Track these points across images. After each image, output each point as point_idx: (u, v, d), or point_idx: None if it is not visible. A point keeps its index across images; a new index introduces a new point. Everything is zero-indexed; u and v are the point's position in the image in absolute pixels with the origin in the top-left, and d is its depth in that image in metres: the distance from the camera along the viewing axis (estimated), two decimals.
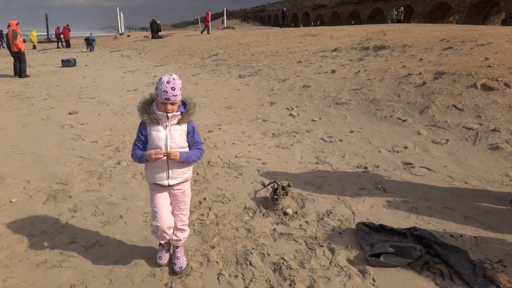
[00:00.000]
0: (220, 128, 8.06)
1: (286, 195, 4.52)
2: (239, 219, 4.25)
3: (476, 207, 4.51)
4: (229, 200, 4.71)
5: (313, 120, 8.35)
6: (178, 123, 3.02)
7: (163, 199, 3.16)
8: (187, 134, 3.10)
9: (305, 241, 3.81)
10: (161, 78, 2.85)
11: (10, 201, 4.88)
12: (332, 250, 3.67)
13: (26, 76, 16.45)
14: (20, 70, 16.32)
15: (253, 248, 3.69)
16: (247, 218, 4.28)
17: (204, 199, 4.76)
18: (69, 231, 4.12)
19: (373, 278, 3.30)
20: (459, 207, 4.51)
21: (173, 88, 2.83)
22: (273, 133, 7.57)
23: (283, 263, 3.45)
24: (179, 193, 3.24)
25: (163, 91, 2.82)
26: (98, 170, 5.90)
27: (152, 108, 2.98)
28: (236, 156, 6.29)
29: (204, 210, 4.49)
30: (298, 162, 6.04)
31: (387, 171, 5.61)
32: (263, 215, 4.33)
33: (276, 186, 4.56)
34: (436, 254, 3.58)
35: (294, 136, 7.36)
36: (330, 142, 6.98)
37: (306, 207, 4.48)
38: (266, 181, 5.19)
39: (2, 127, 8.54)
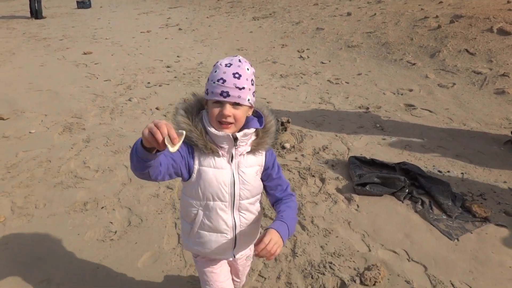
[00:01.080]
0: None
1: (285, 130, 4.74)
2: None
3: (470, 147, 4.66)
4: None
5: (323, 63, 8.36)
6: (252, 151, 1.65)
7: (222, 276, 1.93)
8: (264, 170, 1.74)
9: (299, 172, 4.08)
10: (217, 61, 1.59)
11: (30, 132, 5.25)
12: (322, 180, 3.94)
13: (42, 17, 16.52)
14: (36, 11, 16.37)
15: None
16: None
17: None
18: (82, 157, 4.48)
19: (357, 205, 3.57)
20: (453, 147, 4.67)
21: (237, 75, 1.50)
22: (281, 75, 7.67)
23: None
24: (244, 260, 2.10)
25: (218, 80, 1.50)
26: (110, 105, 6.19)
27: (202, 125, 1.59)
28: None
29: None
30: (302, 102, 6.20)
31: (388, 112, 5.73)
32: None
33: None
34: (420, 186, 3.81)
35: (302, 78, 7.45)
36: (336, 84, 7.06)
37: (304, 142, 4.72)
38: None
39: (20, 66, 8.85)
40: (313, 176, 4.00)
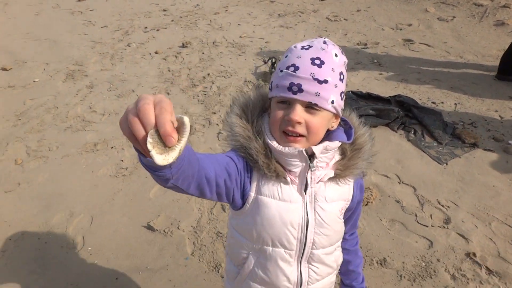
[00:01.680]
0: (226, 10, 8.07)
1: None
2: (239, 90, 4.67)
3: (465, 79, 4.76)
4: (231, 75, 5.08)
5: (321, 0, 8.21)
6: (336, 177, 1.17)
7: None
8: (348, 210, 1.29)
9: None
10: (292, 45, 1.12)
11: (34, 81, 5.37)
12: None
13: None
14: None
15: None
16: (247, 89, 4.69)
17: (208, 74, 5.14)
18: (88, 103, 4.64)
19: None
20: (448, 79, 4.78)
21: (317, 62, 1.03)
22: (279, 14, 7.58)
23: None
24: None
25: (288, 66, 1.05)
26: (109, 52, 6.24)
27: (264, 139, 1.11)
28: (240, 36, 6.47)
29: (208, 83, 4.90)
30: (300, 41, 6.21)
31: (386, 47, 5.77)
32: (262, 87, 4.72)
33: (274, 61, 4.86)
34: (413, 116, 3.98)
35: (300, 16, 7.37)
36: (335, 21, 7.01)
37: None
38: (267, 59, 5.48)
39: (15, 16, 8.74)
40: None
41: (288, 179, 1.11)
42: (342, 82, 1.07)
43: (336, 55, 1.05)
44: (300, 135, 1.05)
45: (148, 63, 5.69)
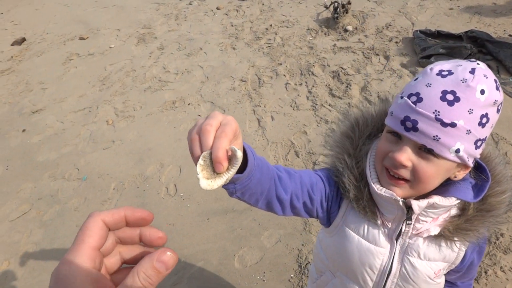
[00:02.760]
0: None
1: (347, 13, 4.76)
2: (302, 40, 4.70)
3: None
4: (293, 24, 5.10)
5: None
6: (442, 236, 0.95)
7: None
8: (455, 272, 1.08)
9: (363, 52, 4.22)
10: (430, 65, 0.86)
11: (110, 47, 5.78)
12: (387, 57, 4.07)
13: None
14: None
15: (315, 62, 4.23)
16: (310, 38, 4.71)
17: (271, 25, 5.20)
18: (161, 63, 4.96)
19: None
20: None
21: (450, 97, 0.78)
22: None
23: (341, 71, 3.98)
24: None
25: (410, 94, 0.84)
26: (173, 12, 6.47)
27: (363, 168, 0.99)
28: None
29: (271, 35, 4.98)
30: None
31: None
32: (325, 34, 4.71)
33: (336, 5, 4.79)
34: (487, 52, 3.80)
35: None
36: None
37: (366, 23, 4.73)
38: (328, 3, 5.38)
39: None
40: (377, 54, 4.13)
41: (379, 221, 0.98)
42: (484, 127, 0.80)
43: (482, 92, 0.77)
44: (403, 179, 0.87)
45: (211, 19, 5.85)
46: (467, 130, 0.78)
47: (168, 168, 3.39)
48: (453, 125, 0.77)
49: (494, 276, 2.24)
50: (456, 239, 0.93)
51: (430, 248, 0.97)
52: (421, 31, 4.21)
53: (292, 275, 2.42)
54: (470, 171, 0.90)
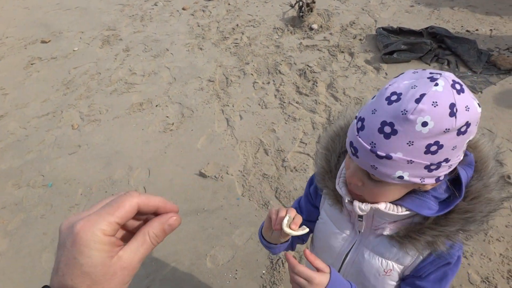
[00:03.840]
0: None
1: (311, 11, 4.83)
2: (269, 39, 4.74)
3: (502, 1, 4.60)
4: (260, 24, 5.13)
5: None
6: (396, 239, 0.96)
7: None
8: (409, 277, 1.04)
9: (328, 50, 4.30)
10: (396, 77, 0.81)
11: (73, 50, 5.64)
12: (351, 54, 4.16)
13: None
14: None
15: (282, 60, 4.28)
16: (276, 37, 4.76)
17: (237, 25, 5.21)
18: (127, 65, 4.88)
19: (385, 72, 3.82)
20: (482, 4, 4.63)
21: (386, 131, 0.76)
22: None
23: (307, 69, 4.04)
24: None
25: (359, 118, 0.83)
26: (139, 13, 6.38)
27: (340, 170, 1.03)
28: None
29: (238, 35, 4.99)
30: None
31: None
32: (291, 32, 4.77)
33: (301, 4, 4.85)
34: (446, 47, 3.95)
35: None
36: None
37: (331, 21, 4.82)
38: (293, 2, 5.45)
39: None
40: (342, 52, 4.22)
41: (345, 212, 1.05)
42: (435, 153, 0.75)
43: (424, 124, 0.71)
44: (359, 194, 0.93)
45: (177, 20, 5.81)
46: (408, 161, 0.76)
47: (136, 171, 3.35)
48: (388, 157, 0.76)
49: None
50: (404, 242, 0.93)
51: (381, 244, 1.00)
52: (383, 28, 4.33)
53: (264, 271, 2.44)
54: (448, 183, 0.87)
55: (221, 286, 2.42)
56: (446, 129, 0.71)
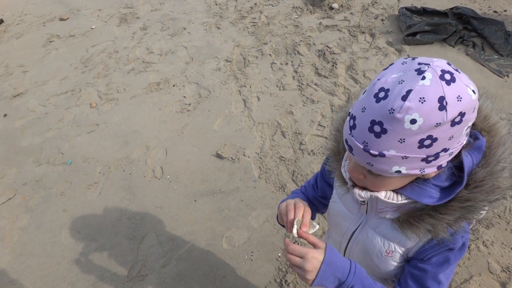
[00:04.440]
0: None
1: None
2: (288, 18, 4.65)
3: None
4: (278, 3, 5.03)
5: None
6: (401, 222, 0.96)
7: None
8: (410, 259, 1.04)
9: (348, 30, 4.19)
10: (386, 68, 0.79)
11: (91, 28, 5.63)
12: (373, 35, 4.04)
13: None
14: None
15: (301, 41, 4.19)
16: (295, 16, 4.65)
17: (255, 4, 5.11)
18: (145, 44, 4.86)
19: (407, 54, 3.71)
20: None
21: (377, 129, 0.74)
22: None
23: (327, 50, 3.95)
24: None
25: (351, 115, 0.81)
26: None
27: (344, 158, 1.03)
28: None
29: (256, 14, 4.90)
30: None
31: None
32: (310, 12, 4.66)
33: None
34: (472, 28, 3.81)
35: None
36: None
37: (352, 0, 4.68)
38: None
39: None
40: (363, 32, 4.11)
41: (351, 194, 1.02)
42: (430, 147, 0.73)
43: (413, 122, 0.69)
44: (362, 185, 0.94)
45: None
46: (403, 156, 0.75)
47: (154, 150, 3.37)
48: (381, 155, 0.75)
49: (476, 251, 2.29)
50: (405, 226, 0.94)
51: (383, 226, 1.02)
52: (406, 8, 4.19)
53: (280, 254, 2.45)
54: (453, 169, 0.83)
55: (236, 267, 2.45)
56: (437, 123, 0.69)
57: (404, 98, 0.68)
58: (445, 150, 0.75)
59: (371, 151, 0.76)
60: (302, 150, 3.06)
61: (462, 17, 3.92)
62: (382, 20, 4.23)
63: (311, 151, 3.02)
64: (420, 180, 0.86)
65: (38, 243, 2.84)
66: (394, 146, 0.73)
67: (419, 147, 0.73)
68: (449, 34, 3.74)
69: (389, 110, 0.70)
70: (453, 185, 0.84)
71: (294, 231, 0.98)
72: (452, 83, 0.69)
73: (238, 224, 2.68)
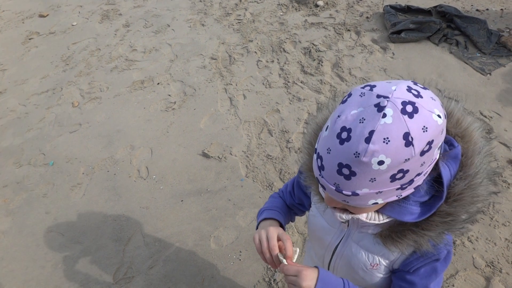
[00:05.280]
0: None
1: None
2: (273, 15, 4.62)
3: None
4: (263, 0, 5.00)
5: None
6: (382, 237, 0.95)
7: None
8: (395, 272, 1.04)
9: (334, 28, 4.19)
10: (342, 102, 0.76)
11: (72, 25, 5.50)
12: (358, 33, 4.05)
13: None
14: None
15: (287, 38, 4.17)
16: (281, 13, 4.63)
17: (240, 1, 5.07)
18: (128, 42, 4.77)
19: (393, 52, 3.73)
20: None
21: (344, 172, 0.72)
22: None
23: (312, 47, 3.94)
24: None
25: (318, 154, 0.78)
26: None
27: None
28: None
29: (241, 11, 4.86)
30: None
31: None
32: (296, 9, 4.64)
33: None
34: (456, 27, 3.85)
35: None
36: None
37: None
38: None
39: None
40: (349, 30, 4.11)
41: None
42: (403, 177, 0.71)
43: (381, 163, 0.67)
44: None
45: None
46: (377, 192, 0.73)
47: (138, 150, 3.31)
48: (355, 194, 0.74)
49: (461, 246, 2.32)
50: (394, 242, 0.92)
51: (366, 240, 1.00)
52: (391, 6, 4.21)
53: None
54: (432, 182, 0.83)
55: (224, 267, 2.42)
56: (405, 159, 0.67)
57: (368, 140, 0.66)
58: (418, 174, 0.73)
59: (343, 192, 0.74)
60: (289, 148, 3.05)
61: (446, 15, 3.96)
62: (367, 17, 4.25)
63: (298, 149, 3.02)
64: (400, 199, 0.83)
65: (21, 247, 2.77)
66: (366, 185, 0.72)
67: (392, 181, 0.71)
68: (433, 32, 3.78)
69: (354, 154, 0.68)
70: (431, 198, 0.83)
71: (282, 262, 0.99)
72: (415, 115, 0.66)
73: (226, 224, 2.65)
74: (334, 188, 0.75)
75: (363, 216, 0.88)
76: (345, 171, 0.70)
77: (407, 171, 0.70)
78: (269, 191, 2.78)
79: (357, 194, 0.73)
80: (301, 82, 3.60)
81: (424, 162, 0.71)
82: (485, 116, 3.02)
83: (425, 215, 0.82)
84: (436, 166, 0.80)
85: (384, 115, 0.65)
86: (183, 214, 2.77)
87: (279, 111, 3.37)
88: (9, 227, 2.93)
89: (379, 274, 1.03)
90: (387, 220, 0.87)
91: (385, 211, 0.86)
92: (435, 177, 0.82)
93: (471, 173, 0.81)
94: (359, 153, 0.67)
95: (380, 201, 0.76)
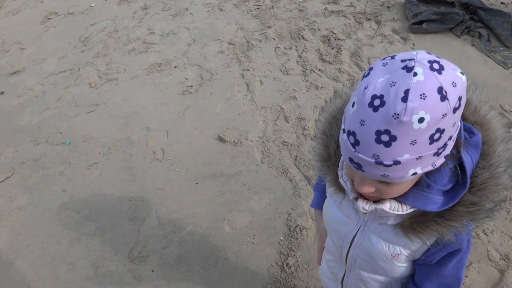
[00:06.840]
0: None
1: None
2: (292, 2, 4.58)
3: None
4: None
5: None
6: (403, 227, 0.94)
7: None
8: (416, 262, 1.05)
9: (354, 16, 4.14)
10: (367, 72, 0.76)
11: (90, 6, 5.51)
12: (378, 22, 4.00)
13: None
14: None
15: (306, 26, 4.14)
16: (300, 0, 4.59)
17: None
18: (146, 24, 4.77)
19: (413, 43, 3.68)
20: None
21: (385, 138, 0.69)
22: None
23: (332, 36, 3.91)
24: None
25: (349, 132, 0.76)
26: None
27: (340, 163, 0.98)
28: None
29: None
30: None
31: None
32: None
33: None
34: (479, 19, 3.77)
35: None
36: None
37: None
38: None
39: None
40: (369, 19, 4.06)
41: (347, 198, 1.04)
42: (439, 139, 0.71)
43: (421, 120, 0.66)
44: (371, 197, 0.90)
45: None
46: (417, 157, 0.72)
47: (154, 132, 3.33)
48: (396, 163, 0.72)
49: (476, 238, 2.31)
50: (407, 232, 0.92)
51: (386, 231, 0.99)
52: None
53: (281, 238, 2.45)
54: (454, 170, 0.83)
55: (238, 250, 2.44)
56: (443, 114, 0.67)
57: (405, 99, 0.65)
58: (450, 138, 0.74)
59: (384, 162, 0.72)
60: (305, 135, 3.04)
61: (469, 7, 3.88)
62: (388, 7, 4.18)
63: (315, 136, 3.00)
64: (423, 187, 0.84)
65: (37, 223, 2.82)
66: (407, 150, 0.70)
67: (430, 143, 0.70)
68: (456, 24, 3.71)
69: (393, 116, 0.66)
70: (454, 187, 0.84)
71: None
72: (442, 71, 0.67)
73: (240, 208, 2.67)
74: (373, 160, 0.72)
75: (386, 206, 0.87)
76: (384, 137, 0.69)
77: (443, 130, 0.70)
78: (283, 177, 2.78)
79: (399, 162, 0.71)
80: (319, 70, 3.57)
81: (455, 123, 0.72)
82: (505, 110, 2.97)
83: (448, 205, 0.82)
84: (458, 153, 0.80)
85: (415, 74, 0.66)
86: (197, 196, 2.79)
87: (296, 98, 3.35)
88: (26, 203, 2.98)
89: (400, 264, 1.04)
90: (411, 210, 0.87)
91: (408, 201, 0.86)
92: (458, 165, 0.82)
93: (494, 162, 0.82)
94: (398, 114, 0.66)
95: (419, 170, 0.75)
